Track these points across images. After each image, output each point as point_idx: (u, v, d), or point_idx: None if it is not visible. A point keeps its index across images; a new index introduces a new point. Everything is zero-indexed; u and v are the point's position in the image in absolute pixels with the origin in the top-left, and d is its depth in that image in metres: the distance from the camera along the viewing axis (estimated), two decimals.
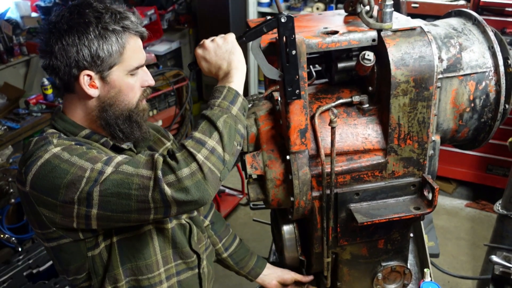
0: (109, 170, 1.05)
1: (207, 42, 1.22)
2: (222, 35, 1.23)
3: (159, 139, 1.43)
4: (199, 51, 1.23)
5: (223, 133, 1.08)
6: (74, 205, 1.06)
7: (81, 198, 1.05)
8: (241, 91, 1.18)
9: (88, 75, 1.14)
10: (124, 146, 1.27)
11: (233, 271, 1.67)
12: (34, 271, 2.68)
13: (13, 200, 3.05)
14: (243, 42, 1.21)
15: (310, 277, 1.60)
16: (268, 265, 1.67)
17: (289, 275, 1.62)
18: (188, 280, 1.35)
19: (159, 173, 1.01)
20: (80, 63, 1.12)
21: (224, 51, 1.19)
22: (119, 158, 1.09)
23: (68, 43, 1.11)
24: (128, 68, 1.18)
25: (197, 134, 1.08)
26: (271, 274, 1.65)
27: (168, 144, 1.45)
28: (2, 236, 3.06)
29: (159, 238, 1.27)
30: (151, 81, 1.24)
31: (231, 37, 1.21)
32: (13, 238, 3.09)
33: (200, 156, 1.03)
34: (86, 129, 1.21)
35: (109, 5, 1.17)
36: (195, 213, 1.43)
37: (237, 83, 1.18)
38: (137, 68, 1.20)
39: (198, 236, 1.40)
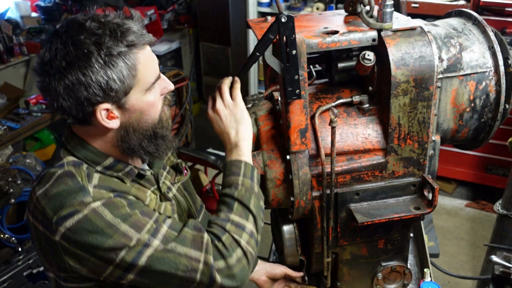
0: (155, 243, 1.01)
1: (220, 106, 1.25)
2: (230, 100, 1.26)
3: None
4: (211, 114, 1.27)
5: (256, 215, 1.14)
6: (109, 266, 1.01)
7: (120, 265, 1.01)
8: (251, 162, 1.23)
9: (105, 108, 1.03)
10: (148, 173, 1.20)
11: None
12: (34, 271, 2.68)
13: (13, 200, 3.05)
14: (245, 73, 1.25)
15: (300, 273, 1.59)
16: (258, 261, 1.65)
17: (279, 269, 1.61)
18: None
19: (211, 258, 1.03)
20: (92, 99, 1.00)
21: (233, 120, 1.24)
22: (165, 227, 1.04)
23: (72, 82, 0.97)
24: (145, 86, 1.07)
25: (235, 218, 1.11)
26: (260, 270, 1.63)
27: (169, 154, 1.42)
28: (2, 236, 3.06)
29: None
30: (171, 86, 1.15)
31: (241, 103, 1.25)
32: (13, 238, 3.09)
33: (243, 242, 1.08)
34: (110, 158, 1.11)
35: (104, 20, 1.01)
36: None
37: (248, 155, 1.23)
38: (154, 82, 1.10)
39: None
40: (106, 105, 1.03)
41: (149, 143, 1.12)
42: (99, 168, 1.10)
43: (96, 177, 1.06)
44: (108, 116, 1.04)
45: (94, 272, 1.04)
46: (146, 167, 1.24)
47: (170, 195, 1.28)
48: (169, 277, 1.02)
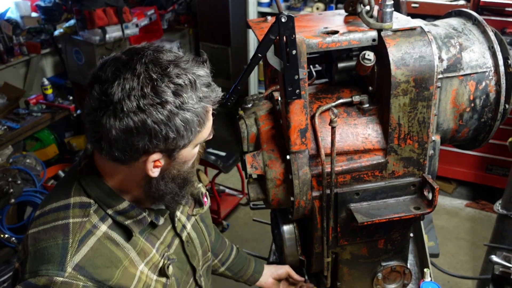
0: None
1: None
2: None
3: None
4: None
5: None
6: None
7: None
8: None
9: (156, 159, 0.96)
10: (161, 220, 1.15)
11: (232, 279, 1.67)
12: None
13: (13, 200, 3.06)
14: (248, 75, 1.23)
15: (302, 278, 1.60)
16: (264, 265, 1.67)
17: (283, 270, 1.62)
18: None
19: None
20: (150, 149, 0.93)
21: None
22: None
23: (137, 128, 0.89)
24: (200, 141, 1.02)
25: None
26: (266, 273, 1.65)
27: None
28: (2, 236, 3.06)
29: None
30: (211, 136, 1.07)
31: None
32: (13, 238, 3.09)
33: None
34: (125, 202, 1.05)
35: (185, 65, 0.93)
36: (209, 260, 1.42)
37: None
38: (207, 137, 1.04)
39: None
40: (158, 155, 0.95)
41: (179, 191, 1.07)
42: (110, 211, 1.04)
43: (89, 243, 0.99)
44: (154, 165, 0.97)
45: None
46: (162, 205, 1.17)
47: (184, 234, 1.25)
48: None
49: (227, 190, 4.08)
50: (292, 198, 1.31)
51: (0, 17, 4.47)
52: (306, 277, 1.63)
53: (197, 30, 5.66)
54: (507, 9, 3.49)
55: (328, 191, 1.30)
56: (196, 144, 1.02)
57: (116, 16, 3.99)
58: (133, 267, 1.06)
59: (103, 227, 1.03)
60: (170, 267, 1.16)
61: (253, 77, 4.92)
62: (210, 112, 1.01)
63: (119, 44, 4.04)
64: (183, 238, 1.24)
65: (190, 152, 1.02)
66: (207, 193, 1.39)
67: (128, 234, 1.07)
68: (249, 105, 1.47)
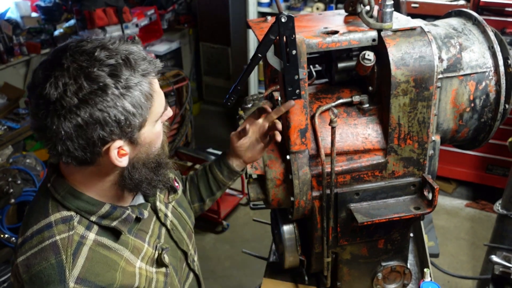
0: None
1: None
2: None
3: None
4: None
5: None
6: None
7: None
8: None
9: (118, 146, 0.93)
10: (146, 213, 1.13)
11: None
12: None
13: (13, 200, 3.06)
14: (248, 75, 1.21)
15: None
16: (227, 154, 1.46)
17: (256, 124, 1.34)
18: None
19: None
20: (107, 138, 0.90)
21: None
22: None
23: (86, 121, 0.86)
24: (156, 117, 1.00)
25: None
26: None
27: None
28: (2, 236, 3.06)
29: None
30: (170, 112, 1.07)
31: None
32: (13, 238, 3.09)
33: None
34: (106, 205, 1.02)
35: (113, 46, 0.91)
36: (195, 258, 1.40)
37: None
38: (163, 111, 1.02)
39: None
40: (120, 142, 0.93)
41: (155, 176, 1.05)
42: (93, 218, 1.02)
43: (83, 254, 0.97)
44: (119, 154, 0.95)
45: None
46: (141, 199, 1.17)
47: (168, 222, 1.25)
48: None
49: (227, 190, 4.07)
50: (292, 198, 1.31)
51: (0, 17, 4.47)
52: (306, 278, 1.63)
53: (197, 30, 5.66)
54: (507, 9, 3.49)
55: (328, 191, 1.30)
56: (155, 121, 1.00)
57: (116, 16, 4.00)
58: (130, 266, 1.06)
59: (91, 235, 1.01)
60: (166, 256, 1.16)
61: (253, 77, 4.91)
62: (156, 85, 0.98)
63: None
64: (168, 226, 1.25)
65: (152, 132, 1.00)
66: (176, 177, 1.37)
67: (117, 236, 1.06)
68: (249, 105, 1.47)
